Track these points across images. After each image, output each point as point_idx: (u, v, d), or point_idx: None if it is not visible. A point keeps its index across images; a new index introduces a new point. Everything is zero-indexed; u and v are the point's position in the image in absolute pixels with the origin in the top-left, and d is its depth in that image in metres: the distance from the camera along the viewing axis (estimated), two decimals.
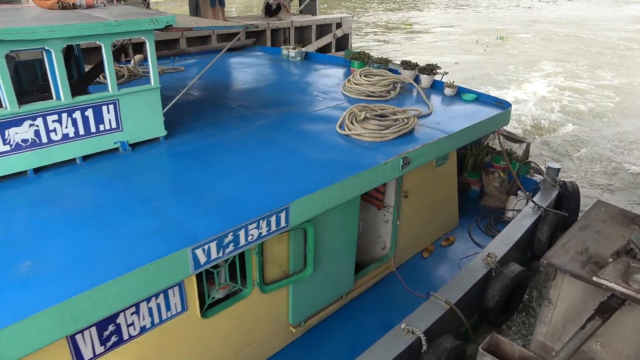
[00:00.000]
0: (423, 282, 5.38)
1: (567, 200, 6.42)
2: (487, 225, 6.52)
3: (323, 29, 16.08)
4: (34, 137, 3.65)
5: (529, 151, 7.27)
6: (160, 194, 3.58)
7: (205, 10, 13.30)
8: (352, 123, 4.76)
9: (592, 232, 4.25)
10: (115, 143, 4.11)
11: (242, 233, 3.19)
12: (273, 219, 3.31)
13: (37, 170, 3.77)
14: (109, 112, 3.99)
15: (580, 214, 6.67)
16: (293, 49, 7.95)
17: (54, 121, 3.71)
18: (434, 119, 5.32)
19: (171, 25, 4.01)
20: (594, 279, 3.59)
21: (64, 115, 3.75)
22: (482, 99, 6.10)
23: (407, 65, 6.52)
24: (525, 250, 6.08)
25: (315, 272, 4.32)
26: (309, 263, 4.19)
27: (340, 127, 4.80)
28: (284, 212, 3.37)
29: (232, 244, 3.18)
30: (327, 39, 16.04)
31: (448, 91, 6.17)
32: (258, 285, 3.90)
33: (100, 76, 4.98)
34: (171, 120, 4.61)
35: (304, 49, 8.04)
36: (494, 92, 16.56)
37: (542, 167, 7.09)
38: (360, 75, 6.04)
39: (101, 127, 4.00)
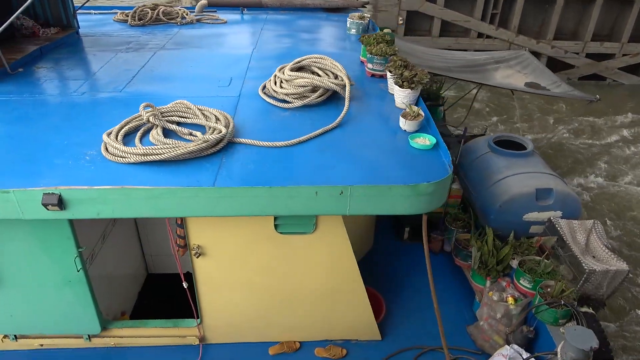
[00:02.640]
0: None
1: None
2: None
3: None
4: None
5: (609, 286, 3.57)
6: None
7: None
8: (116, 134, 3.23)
9: None
10: None
11: None
12: None
13: None
14: None
15: None
16: (352, 18, 6.00)
17: None
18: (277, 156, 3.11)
19: None
20: None
21: None
22: (442, 150, 3.22)
23: (393, 68, 3.97)
24: None
25: None
26: None
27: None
28: None
29: None
30: None
31: (402, 123, 3.51)
32: None
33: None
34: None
35: (364, 20, 5.96)
36: None
37: None
38: (289, 69, 4.03)
39: None
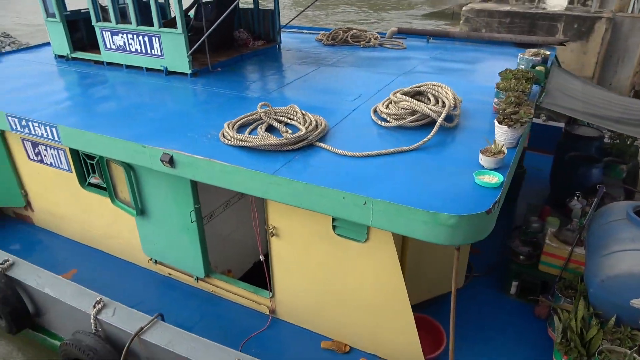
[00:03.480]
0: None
1: None
2: None
3: None
4: (123, 45, 5.90)
5: None
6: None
7: None
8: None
9: None
10: (160, 66, 5.74)
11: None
12: (44, 129, 4.31)
13: (127, 67, 6.07)
14: (156, 43, 5.61)
15: None
16: (524, 54, 5.66)
17: (130, 38, 5.78)
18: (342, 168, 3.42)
19: None
20: None
21: (134, 36, 5.73)
22: (498, 190, 2.99)
23: (505, 103, 3.77)
24: None
25: (149, 222, 4.69)
26: (136, 204, 4.63)
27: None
28: (54, 129, 4.26)
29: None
30: None
31: (480, 157, 3.35)
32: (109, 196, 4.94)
33: None
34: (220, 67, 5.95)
35: (537, 57, 5.53)
36: None
37: None
38: (401, 92, 4.25)
39: (153, 52, 5.71)
